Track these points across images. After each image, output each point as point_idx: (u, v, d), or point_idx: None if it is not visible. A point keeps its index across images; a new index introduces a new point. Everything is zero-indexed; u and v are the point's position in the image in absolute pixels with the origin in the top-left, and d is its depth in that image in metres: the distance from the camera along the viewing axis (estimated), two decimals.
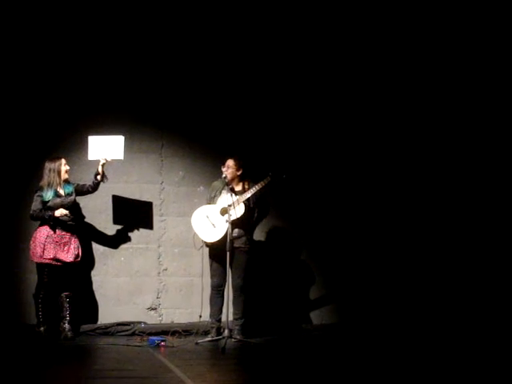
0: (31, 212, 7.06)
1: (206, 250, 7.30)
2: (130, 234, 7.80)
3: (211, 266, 7.25)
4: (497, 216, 8.37)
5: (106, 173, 7.23)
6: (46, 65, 7.66)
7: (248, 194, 7.15)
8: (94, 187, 7.25)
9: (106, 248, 7.73)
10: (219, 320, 7.26)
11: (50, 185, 7.08)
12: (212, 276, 7.25)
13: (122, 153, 7.25)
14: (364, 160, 8.36)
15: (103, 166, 7.19)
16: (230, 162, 7.24)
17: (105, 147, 7.19)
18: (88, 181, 7.33)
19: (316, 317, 8.14)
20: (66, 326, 7.07)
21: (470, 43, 8.42)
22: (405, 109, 8.42)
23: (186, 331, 7.40)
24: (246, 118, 8.09)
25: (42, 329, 7.05)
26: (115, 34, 7.82)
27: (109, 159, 7.20)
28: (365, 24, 8.32)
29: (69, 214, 7.04)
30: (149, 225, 7.83)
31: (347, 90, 8.35)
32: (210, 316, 7.28)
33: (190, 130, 7.98)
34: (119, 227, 7.77)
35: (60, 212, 7.01)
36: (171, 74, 7.98)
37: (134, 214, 7.84)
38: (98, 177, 7.17)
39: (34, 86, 7.62)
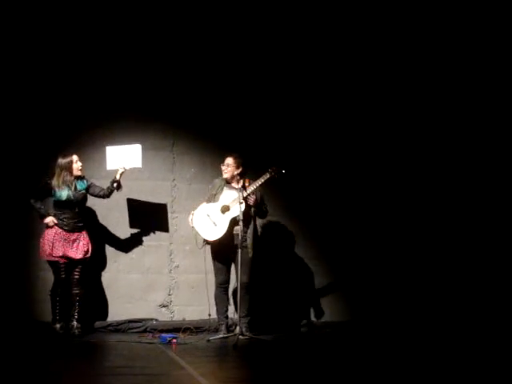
0: (30, 197, 7.04)
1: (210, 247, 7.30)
2: (141, 232, 7.82)
3: (214, 264, 7.24)
4: (498, 215, 8.37)
5: (118, 176, 7.27)
6: (59, 65, 7.69)
7: (249, 190, 7.06)
8: (108, 194, 7.29)
9: (118, 245, 7.75)
10: (226, 317, 7.28)
11: (63, 183, 7.07)
12: (216, 274, 7.24)
13: (139, 161, 7.31)
14: (370, 158, 8.38)
15: (121, 174, 7.24)
16: (230, 160, 7.20)
17: (122, 156, 7.26)
18: (103, 177, 7.39)
19: (327, 314, 8.14)
20: (74, 323, 7.08)
21: (470, 43, 8.41)
22: (407, 107, 8.44)
23: (197, 328, 7.42)
24: (255, 115, 8.11)
25: (57, 326, 7.07)
26: (127, 34, 7.85)
27: (127, 168, 7.26)
28: (367, 23, 8.33)
29: (55, 222, 7.03)
30: (162, 225, 7.87)
31: (349, 88, 8.39)
32: (218, 313, 7.29)
33: (201, 128, 7.99)
34: (130, 224, 7.78)
35: (49, 219, 7.03)
36: (182, 73, 8.00)
37: (147, 214, 7.86)
38: (115, 185, 7.22)
39: (47, 85, 7.66)
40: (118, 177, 7.24)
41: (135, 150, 7.30)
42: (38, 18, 7.62)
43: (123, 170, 7.26)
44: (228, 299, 7.30)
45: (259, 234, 7.51)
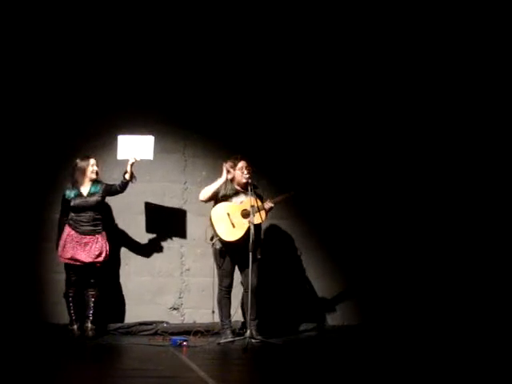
0: (60, 216, 7.24)
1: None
2: (152, 234, 7.83)
3: (222, 266, 7.18)
4: (500, 215, 8.35)
5: (129, 168, 7.22)
6: (73, 64, 7.71)
7: (271, 204, 7.13)
8: (123, 187, 7.21)
9: (129, 247, 7.76)
10: (230, 321, 7.24)
11: (74, 183, 7.16)
12: (223, 276, 7.19)
13: (151, 153, 7.24)
14: (379, 163, 8.35)
15: (132, 165, 7.17)
16: (245, 164, 7.20)
17: (134, 147, 7.19)
18: (116, 180, 7.33)
19: (337, 318, 8.13)
20: (89, 325, 7.10)
21: (470, 43, 8.37)
22: (412, 116, 8.40)
23: (207, 331, 7.40)
24: (267, 119, 8.11)
25: (75, 327, 7.11)
26: (137, 37, 7.86)
27: (138, 159, 7.19)
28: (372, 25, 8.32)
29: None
30: (179, 231, 7.89)
31: (358, 98, 8.35)
32: (223, 317, 7.21)
33: (213, 130, 8.00)
34: (142, 227, 7.80)
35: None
36: (195, 76, 8.00)
37: (164, 218, 7.89)
38: (127, 176, 7.13)
39: (61, 85, 7.69)
40: (128, 168, 7.16)
41: (148, 142, 7.23)
42: (47, 15, 7.65)
43: (134, 161, 7.16)
44: (231, 303, 7.26)
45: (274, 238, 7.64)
